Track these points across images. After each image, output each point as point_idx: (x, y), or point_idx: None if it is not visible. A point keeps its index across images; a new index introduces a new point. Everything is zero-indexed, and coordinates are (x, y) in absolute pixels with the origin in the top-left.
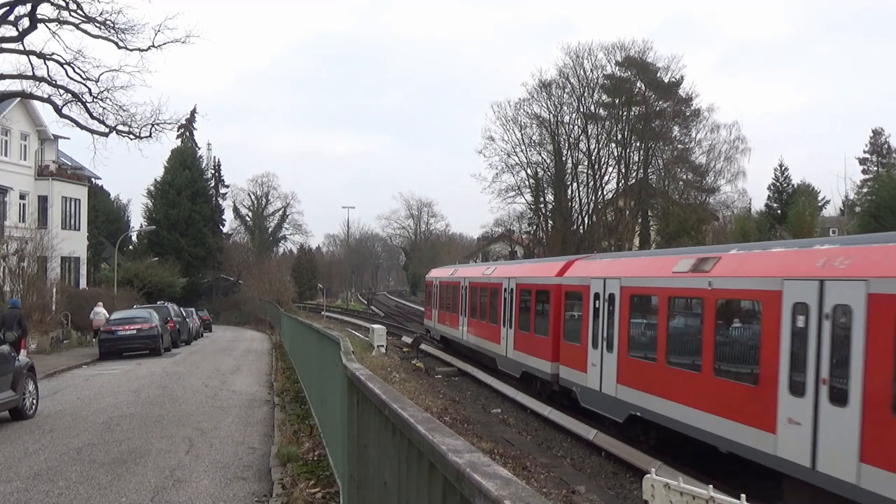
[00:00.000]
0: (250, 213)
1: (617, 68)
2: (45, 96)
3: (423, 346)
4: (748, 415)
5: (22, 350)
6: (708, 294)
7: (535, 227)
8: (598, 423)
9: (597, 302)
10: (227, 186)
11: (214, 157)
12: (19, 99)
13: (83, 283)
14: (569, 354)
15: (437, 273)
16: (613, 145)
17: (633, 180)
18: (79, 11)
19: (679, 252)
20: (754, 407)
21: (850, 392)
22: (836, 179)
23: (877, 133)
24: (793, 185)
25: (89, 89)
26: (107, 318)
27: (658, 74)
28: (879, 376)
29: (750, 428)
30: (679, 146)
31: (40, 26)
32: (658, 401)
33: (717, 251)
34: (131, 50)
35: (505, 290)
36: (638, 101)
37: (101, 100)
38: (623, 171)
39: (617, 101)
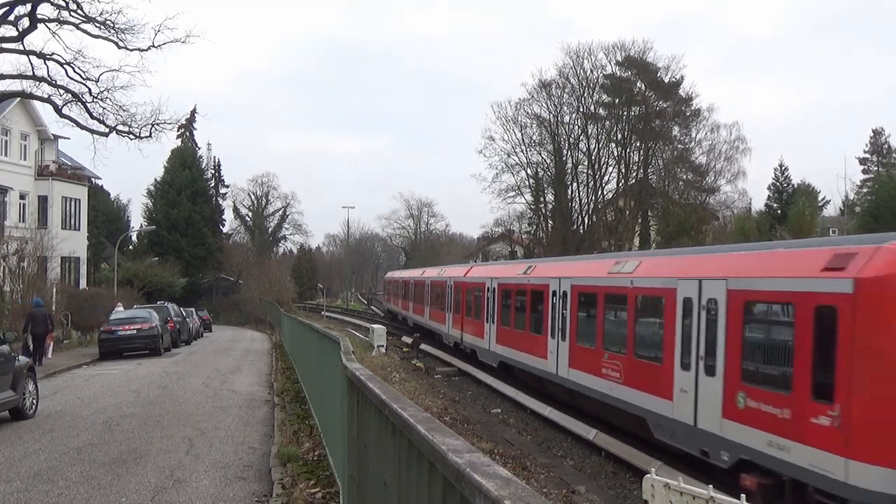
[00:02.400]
0: (250, 213)
1: (617, 68)
2: (45, 96)
3: (423, 346)
4: (537, 349)
5: (50, 342)
6: (527, 286)
7: (535, 227)
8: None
9: (488, 292)
10: (227, 186)
11: (214, 157)
12: (19, 99)
13: (83, 283)
14: (470, 326)
15: (390, 275)
16: (613, 145)
17: (633, 180)
18: (79, 11)
19: (522, 261)
20: (540, 346)
21: (566, 334)
22: (836, 179)
23: (877, 133)
24: (793, 185)
25: (89, 89)
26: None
27: (658, 74)
28: (574, 327)
29: (537, 357)
30: (679, 146)
31: (40, 26)
32: (492, 344)
33: (532, 261)
34: (131, 50)
35: (409, 284)
36: (638, 101)
37: (101, 100)
38: (623, 171)
39: (617, 101)
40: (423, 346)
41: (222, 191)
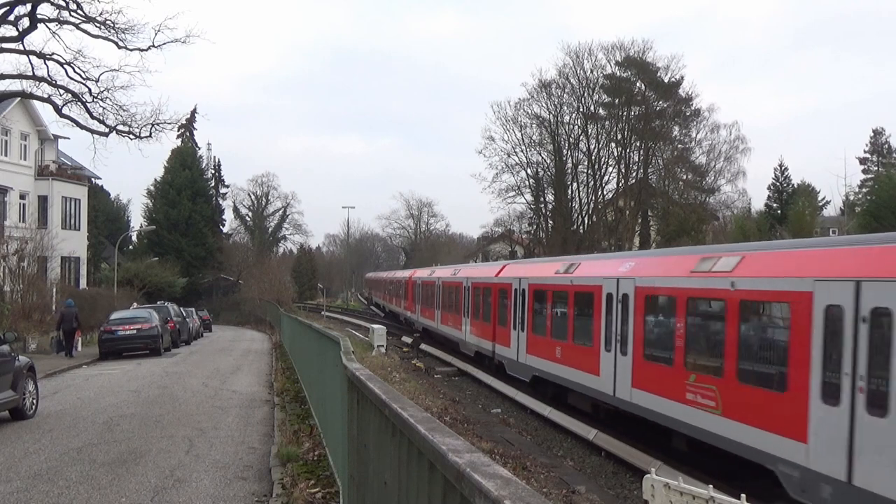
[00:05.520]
0: (250, 213)
1: (617, 68)
2: (45, 96)
3: (423, 346)
4: (498, 338)
5: (78, 338)
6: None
7: (535, 227)
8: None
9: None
10: (227, 186)
11: (214, 157)
12: (19, 99)
13: (83, 283)
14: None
15: (370, 275)
16: (613, 145)
17: (633, 180)
18: (79, 11)
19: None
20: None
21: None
22: (836, 179)
23: (877, 133)
24: (793, 185)
25: (89, 89)
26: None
27: (658, 74)
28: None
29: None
30: (679, 146)
31: (40, 26)
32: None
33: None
34: (131, 50)
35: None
36: (638, 101)
37: (101, 100)
38: (623, 171)
39: (617, 101)
40: (423, 346)
41: (222, 191)
